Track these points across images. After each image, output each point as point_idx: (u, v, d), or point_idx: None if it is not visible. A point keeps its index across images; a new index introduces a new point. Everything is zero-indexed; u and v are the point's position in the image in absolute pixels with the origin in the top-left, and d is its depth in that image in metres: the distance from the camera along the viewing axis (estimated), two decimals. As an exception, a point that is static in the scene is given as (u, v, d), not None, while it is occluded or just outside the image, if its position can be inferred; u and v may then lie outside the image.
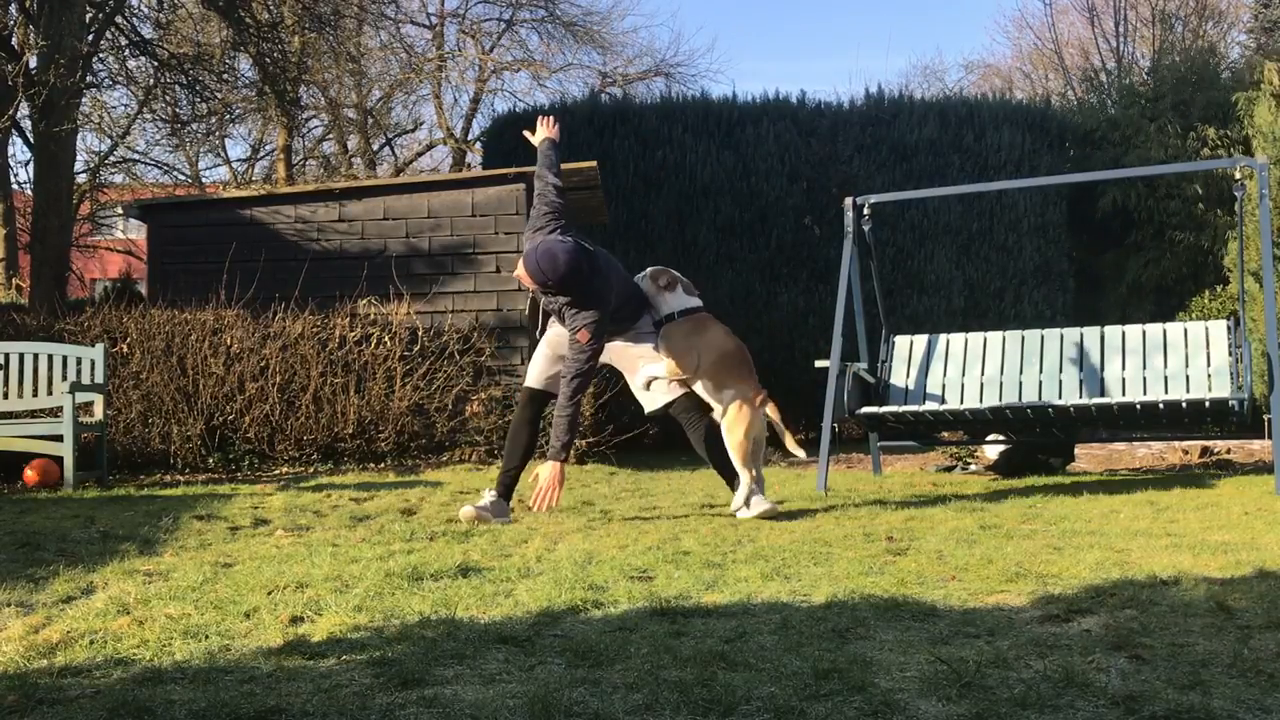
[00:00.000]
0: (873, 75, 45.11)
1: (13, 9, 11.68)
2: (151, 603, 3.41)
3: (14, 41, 11.56)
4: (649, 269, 5.64)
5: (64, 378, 7.65)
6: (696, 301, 5.54)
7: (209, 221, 9.34)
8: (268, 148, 22.34)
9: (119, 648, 2.87)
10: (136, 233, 19.37)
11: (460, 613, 3.18)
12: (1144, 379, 7.06)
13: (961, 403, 7.28)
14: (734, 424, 5.33)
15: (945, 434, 8.64)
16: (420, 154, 24.03)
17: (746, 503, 5.28)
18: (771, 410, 5.47)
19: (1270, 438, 6.88)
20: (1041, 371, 7.33)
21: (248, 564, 4.15)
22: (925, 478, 7.50)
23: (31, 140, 12.42)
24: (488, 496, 5.39)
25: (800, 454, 5.62)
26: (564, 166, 9.25)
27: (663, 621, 3.03)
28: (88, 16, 11.87)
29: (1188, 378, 6.98)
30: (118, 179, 18.77)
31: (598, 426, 8.55)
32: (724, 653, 2.68)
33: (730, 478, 5.41)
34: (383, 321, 8.72)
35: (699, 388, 5.44)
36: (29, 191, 13.67)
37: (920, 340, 7.74)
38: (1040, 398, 7.14)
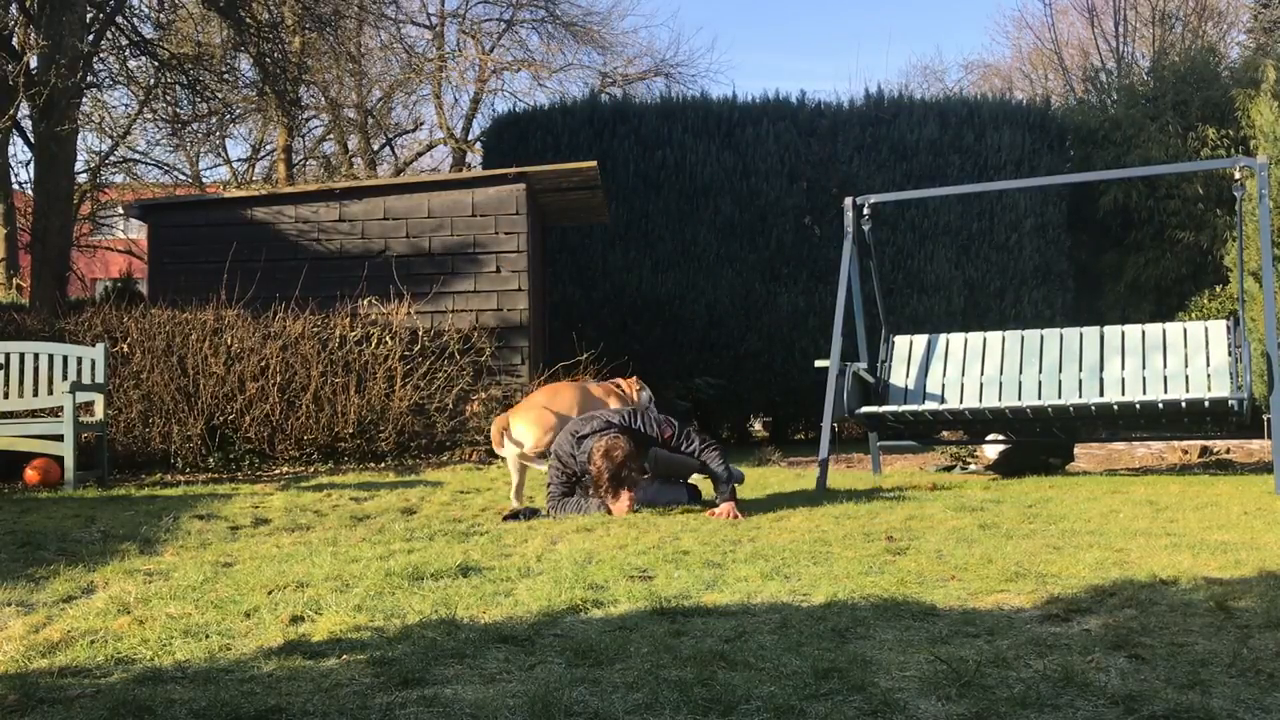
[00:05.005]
0: (873, 75, 45.09)
1: (13, 9, 11.68)
2: (152, 602, 3.41)
3: (14, 42, 11.56)
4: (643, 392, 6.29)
5: (64, 377, 7.65)
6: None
7: (209, 221, 9.35)
8: (268, 148, 22.36)
9: (119, 647, 2.87)
10: (137, 232, 19.40)
11: (460, 612, 3.19)
12: (1144, 379, 7.06)
13: (961, 402, 7.29)
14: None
15: (945, 434, 8.65)
16: (420, 154, 24.05)
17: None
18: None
19: (1270, 438, 6.89)
20: (1041, 371, 7.33)
21: (248, 564, 4.15)
22: (925, 478, 7.50)
23: (32, 140, 12.43)
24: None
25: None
26: (564, 166, 9.32)
27: (663, 621, 3.04)
28: (88, 16, 11.87)
29: (1187, 378, 6.98)
30: (118, 179, 18.76)
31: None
32: (724, 652, 2.68)
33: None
34: (383, 321, 8.72)
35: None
36: (29, 191, 13.67)
37: (920, 340, 7.74)
38: (1040, 398, 7.14)
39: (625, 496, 5.31)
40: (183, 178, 20.51)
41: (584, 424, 5.46)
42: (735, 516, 5.19)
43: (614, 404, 6.10)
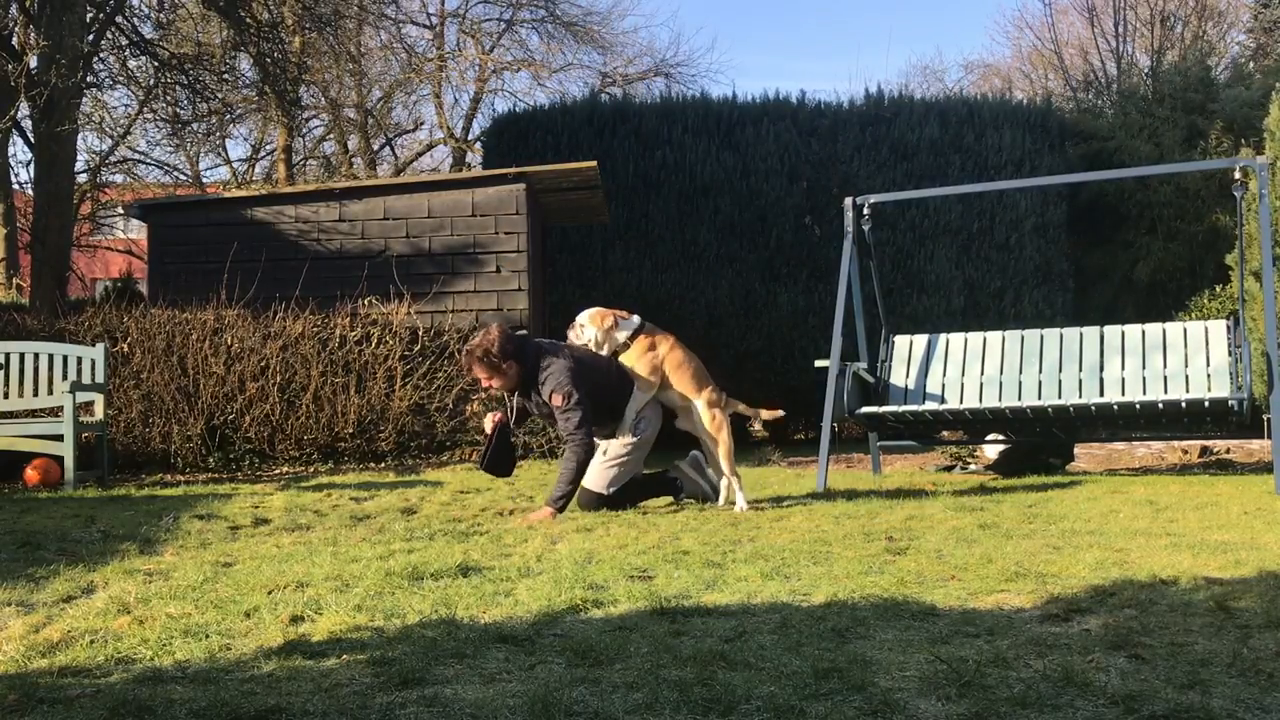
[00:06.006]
0: (873, 75, 45.13)
1: (13, 9, 11.68)
2: (152, 602, 3.41)
3: (15, 42, 11.56)
4: (583, 315, 5.95)
5: (64, 377, 7.65)
6: (636, 322, 5.89)
7: (210, 221, 9.34)
8: (268, 148, 22.37)
9: (119, 647, 2.87)
10: (137, 232, 19.40)
11: (460, 612, 3.19)
12: (1144, 379, 7.06)
13: (961, 402, 7.29)
14: (717, 432, 5.81)
15: (945, 434, 8.64)
16: (420, 154, 24.05)
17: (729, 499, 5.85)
18: (737, 407, 6.00)
19: (1270, 438, 6.88)
20: (1041, 371, 7.34)
21: (248, 563, 4.16)
22: (925, 478, 7.50)
23: (32, 140, 12.44)
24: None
25: (778, 414, 6.21)
26: (564, 166, 9.32)
27: (663, 621, 3.04)
28: (88, 16, 11.87)
29: (1187, 378, 6.98)
30: (118, 179, 18.78)
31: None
32: (724, 652, 2.68)
33: (662, 494, 5.97)
34: (383, 321, 8.72)
35: (667, 397, 5.85)
36: (29, 191, 13.68)
37: (920, 340, 7.74)
38: (1040, 398, 7.14)
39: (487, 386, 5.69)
40: (183, 178, 20.52)
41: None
42: (529, 524, 5.18)
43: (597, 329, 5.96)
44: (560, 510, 5.39)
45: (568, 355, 5.63)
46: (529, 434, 8.37)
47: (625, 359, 5.77)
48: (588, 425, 5.51)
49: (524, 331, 5.90)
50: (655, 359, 5.75)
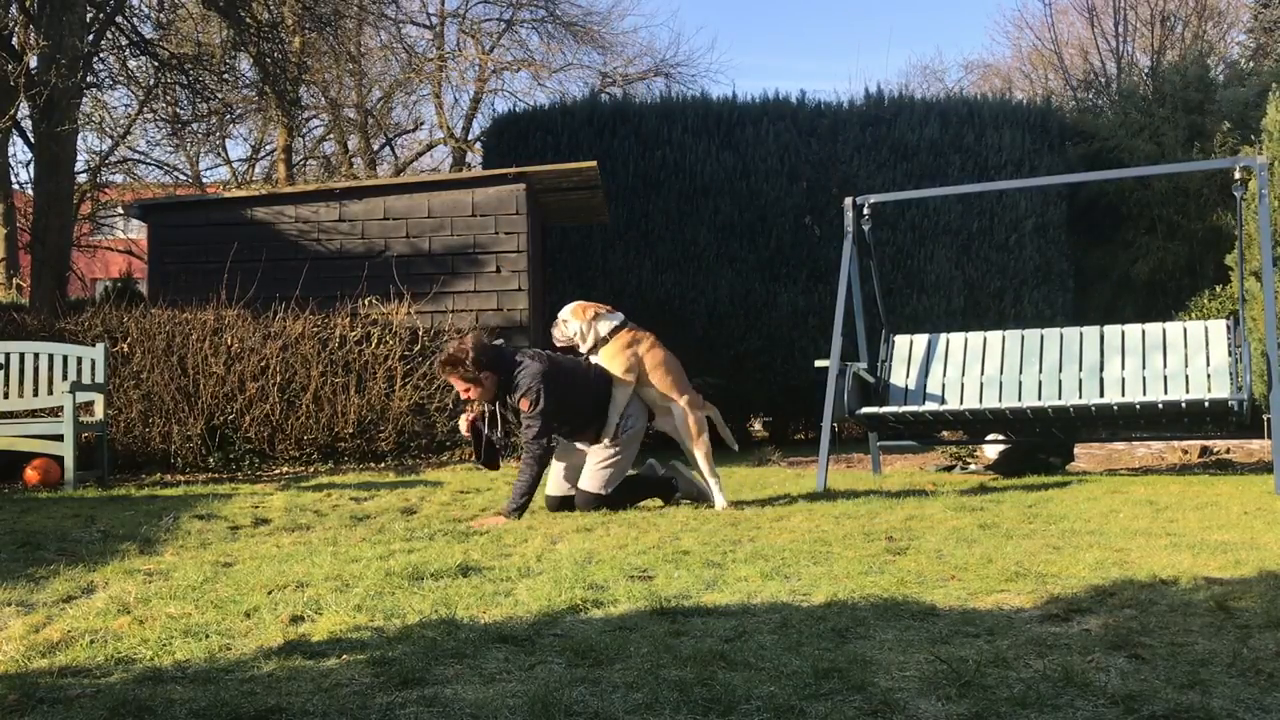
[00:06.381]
0: (873, 75, 45.13)
1: (13, 9, 11.68)
2: (152, 602, 3.41)
3: (14, 42, 11.55)
4: (565, 310, 5.96)
5: (64, 377, 7.65)
6: (619, 317, 5.91)
7: (210, 221, 9.34)
8: (268, 148, 22.37)
9: (119, 647, 2.87)
10: (137, 233, 19.40)
11: (460, 612, 3.19)
12: (1144, 379, 7.06)
13: (961, 403, 7.29)
14: (696, 434, 5.82)
15: (945, 434, 8.65)
16: (420, 154, 24.05)
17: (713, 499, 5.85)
18: (712, 412, 6.04)
19: (1270, 437, 6.89)
20: (1041, 371, 7.34)
21: (248, 563, 4.16)
22: (925, 478, 7.50)
23: (32, 140, 12.43)
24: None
25: (733, 447, 6.34)
26: (564, 166, 9.33)
27: (663, 621, 3.04)
28: (88, 16, 11.87)
29: (1187, 378, 6.98)
30: (118, 179, 18.77)
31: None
32: (724, 652, 2.68)
33: (659, 494, 5.99)
34: (383, 321, 8.72)
35: (646, 395, 5.84)
36: (29, 191, 13.68)
37: (920, 340, 7.74)
38: (1040, 398, 7.14)
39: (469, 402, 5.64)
40: (183, 178, 20.52)
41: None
42: (480, 526, 5.16)
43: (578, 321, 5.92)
44: (514, 518, 5.37)
45: (544, 360, 5.58)
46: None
47: (603, 354, 5.74)
48: (547, 435, 5.50)
49: (500, 341, 5.86)
50: (632, 355, 5.73)
